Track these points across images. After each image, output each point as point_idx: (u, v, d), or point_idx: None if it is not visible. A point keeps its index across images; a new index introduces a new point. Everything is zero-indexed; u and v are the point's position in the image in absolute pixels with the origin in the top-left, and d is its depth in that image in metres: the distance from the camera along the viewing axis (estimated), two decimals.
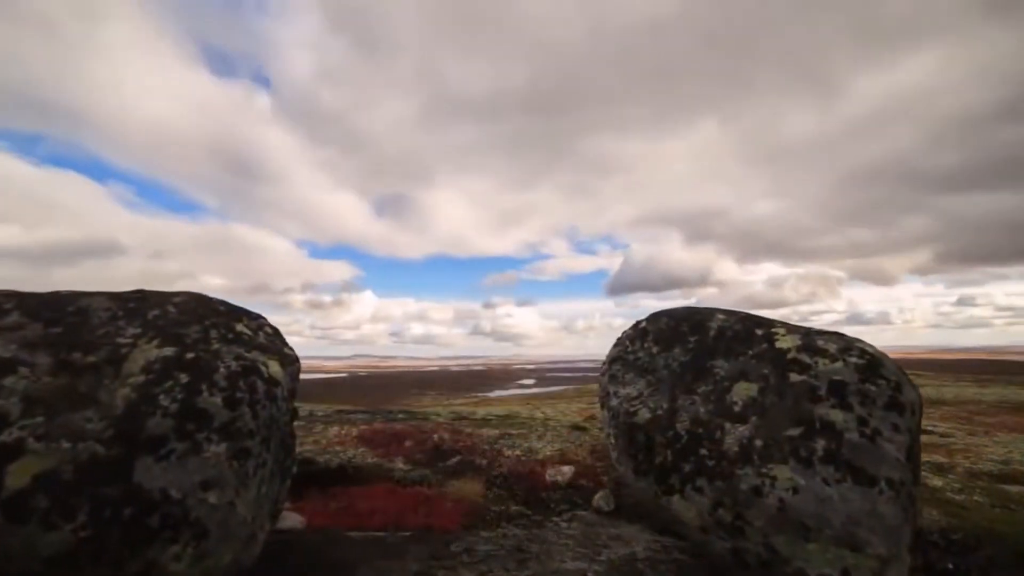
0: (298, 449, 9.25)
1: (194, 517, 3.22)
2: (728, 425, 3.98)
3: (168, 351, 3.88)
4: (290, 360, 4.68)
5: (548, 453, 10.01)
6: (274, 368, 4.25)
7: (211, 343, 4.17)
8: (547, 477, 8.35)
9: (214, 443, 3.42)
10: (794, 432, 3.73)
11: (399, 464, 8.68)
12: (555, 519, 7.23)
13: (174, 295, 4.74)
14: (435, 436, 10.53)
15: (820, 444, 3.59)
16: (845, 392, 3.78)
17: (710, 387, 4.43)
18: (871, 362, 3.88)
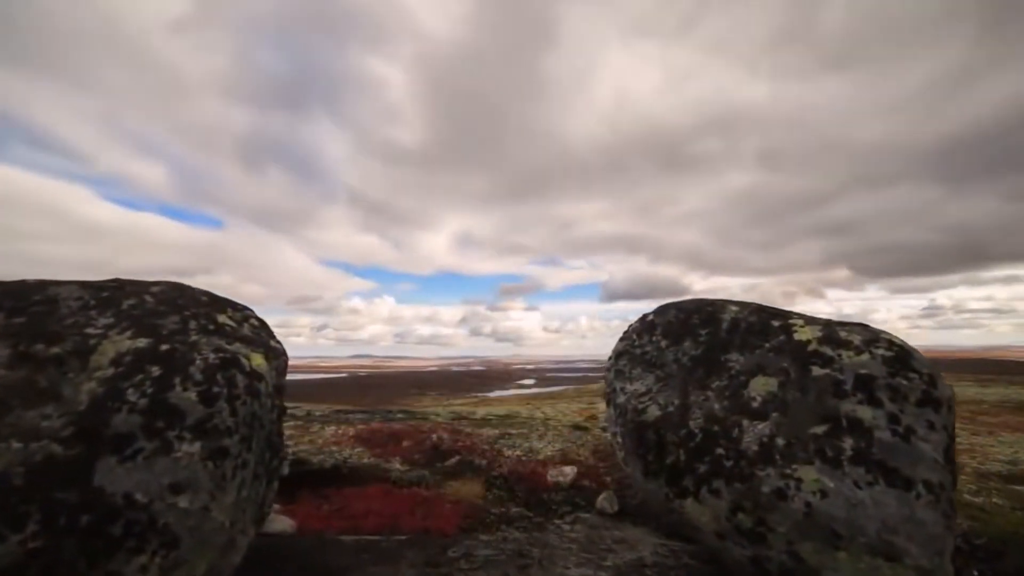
0: (293, 449, 8.93)
1: (163, 524, 2.88)
2: (746, 422, 3.65)
3: (142, 343, 3.55)
4: (277, 354, 4.35)
5: (549, 453, 9.67)
6: (258, 361, 3.92)
7: (189, 334, 3.83)
8: (548, 478, 8.01)
9: (187, 442, 3.08)
10: (819, 430, 3.40)
11: (396, 464, 8.34)
12: (557, 521, 6.90)
13: (153, 284, 4.41)
14: (434, 436, 10.19)
15: (848, 443, 3.27)
16: (873, 387, 3.46)
17: (725, 382, 4.10)
18: (900, 354, 3.55)
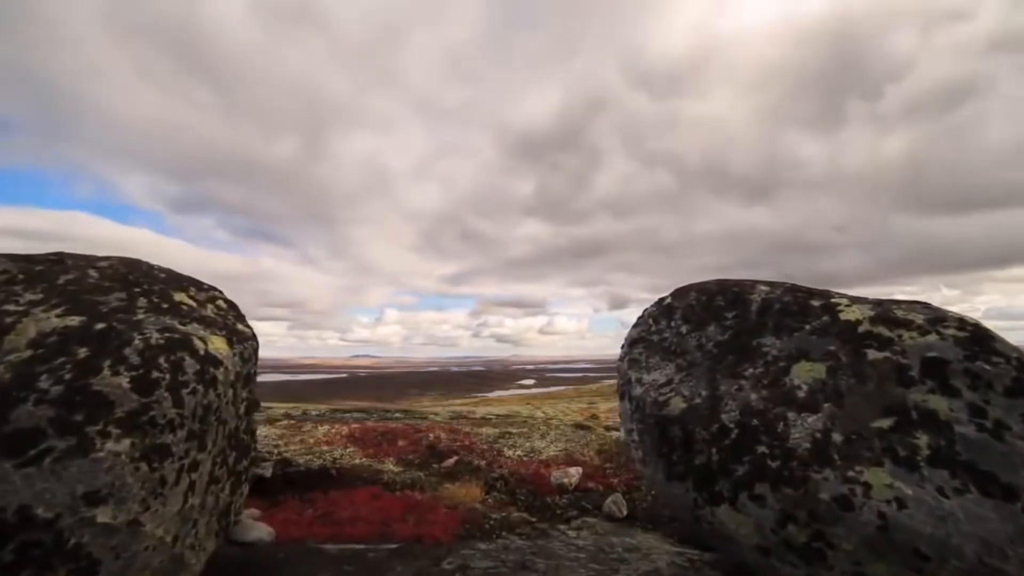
0: (281, 449, 8.25)
1: (73, 544, 2.21)
2: (792, 415, 3.01)
3: (73, 321, 2.89)
4: (243, 337, 3.68)
5: (552, 453, 8.99)
6: (216, 345, 3.26)
7: (135, 312, 3.17)
8: (552, 480, 7.34)
9: (112, 439, 2.42)
10: (884, 424, 2.76)
11: (389, 466, 7.66)
12: (562, 527, 6.23)
13: (102, 259, 3.75)
14: (431, 435, 9.51)
15: (923, 440, 2.63)
16: (946, 372, 2.82)
17: (760, 369, 3.45)
18: (978, 335, 2.92)
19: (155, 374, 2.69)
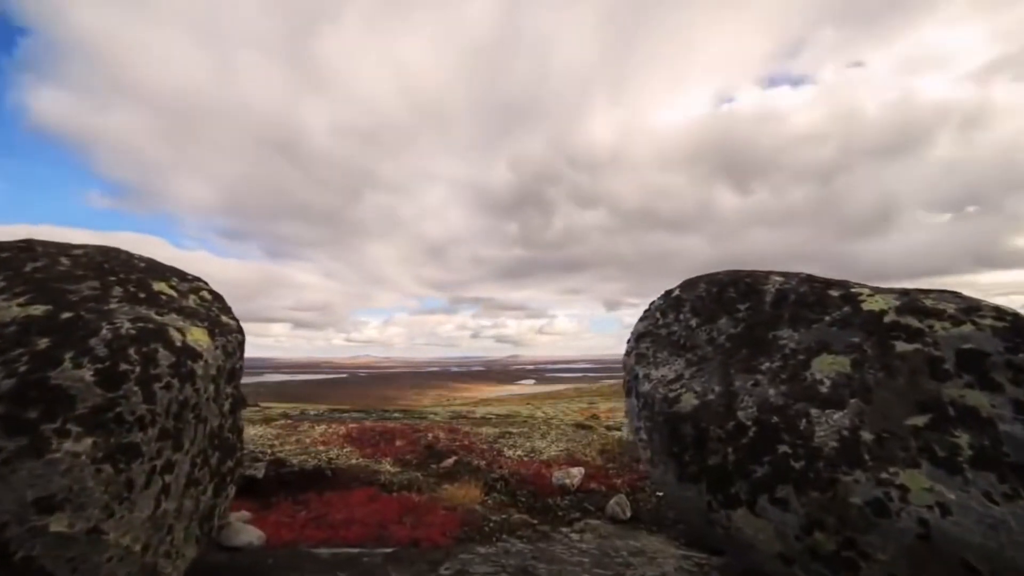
0: (276, 449, 7.98)
1: (21, 557, 1.95)
2: (815, 411, 2.75)
3: (36, 310, 2.63)
4: (227, 330, 3.42)
5: (553, 453, 8.72)
6: (196, 336, 3.00)
7: (108, 302, 2.91)
8: (554, 480, 7.07)
9: (71, 438, 2.16)
10: (919, 421, 2.50)
11: (387, 466, 7.39)
12: (564, 529, 5.96)
13: (76, 247, 3.49)
14: (429, 435, 9.24)
15: (964, 439, 2.38)
16: (985, 365, 2.57)
17: (778, 363, 3.20)
18: (1017, 325, 2.66)
19: (123, 366, 2.43)
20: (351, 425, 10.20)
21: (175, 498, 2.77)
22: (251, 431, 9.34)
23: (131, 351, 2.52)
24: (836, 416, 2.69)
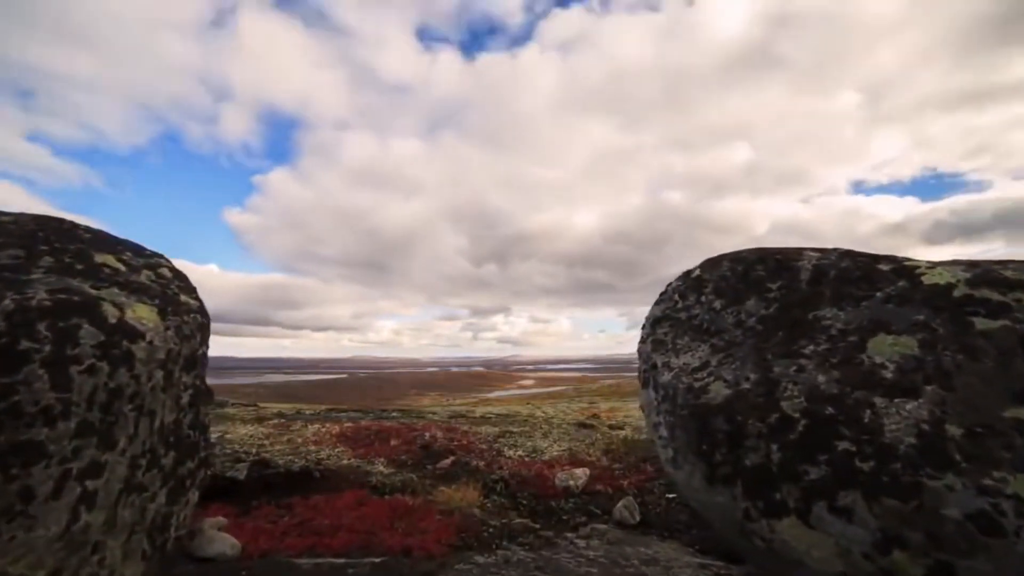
0: (263, 450, 7.38)
1: None
2: (880, 400, 2.23)
3: None
4: (185, 309, 2.88)
5: (555, 453, 8.15)
6: (139, 313, 2.45)
7: (29, 272, 2.38)
8: (557, 482, 6.51)
9: None
10: (1021, 413, 1.98)
11: (380, 467, 6.82)
12: (570, 535, 5.38)
13: (5, 214, 2.96)
14: (426, 434, 8.66)
15: None
16: None
17: (825, 345, 2.67)
18: None
19: (24, 344, 1.89)
20: (346, 424, 9.63)
21: (104, 508, 2.22)
22: (241, 430, 8.77)
23: (40, 326, 1.98)
24: (909, 406, 2.16)
